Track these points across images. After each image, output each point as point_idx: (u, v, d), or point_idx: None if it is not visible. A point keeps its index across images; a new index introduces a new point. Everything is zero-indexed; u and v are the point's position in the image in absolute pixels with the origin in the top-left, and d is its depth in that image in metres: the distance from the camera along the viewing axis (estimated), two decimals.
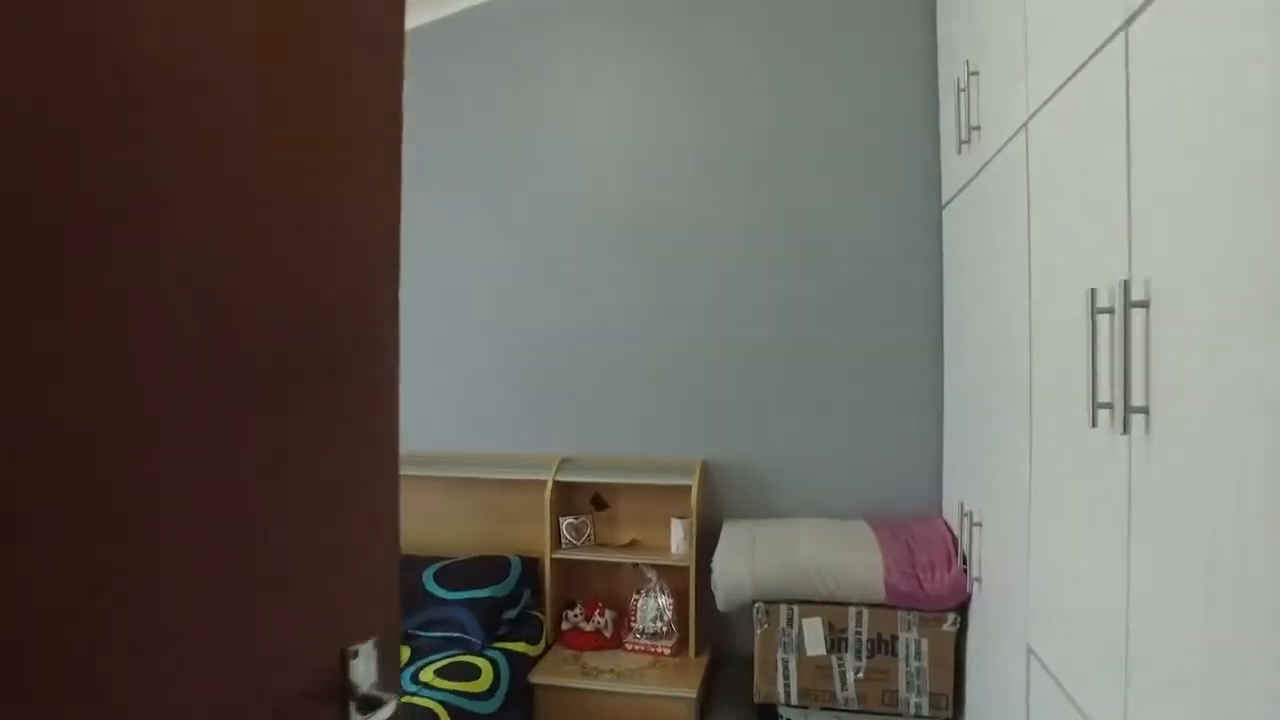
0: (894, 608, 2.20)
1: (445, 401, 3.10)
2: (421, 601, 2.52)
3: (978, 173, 2.02)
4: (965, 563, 2.09)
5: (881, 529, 2.46)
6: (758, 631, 2.28)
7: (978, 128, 2.00)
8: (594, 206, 2.96)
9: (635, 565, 2.78)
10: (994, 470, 1.89)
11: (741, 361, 2.82)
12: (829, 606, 2.25)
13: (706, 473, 2.82)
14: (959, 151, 2.16)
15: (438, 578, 2.62)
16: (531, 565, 2.80)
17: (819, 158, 2.74)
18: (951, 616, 2.16)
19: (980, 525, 1.99)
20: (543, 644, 2.65)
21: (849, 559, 2.26)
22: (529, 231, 3.02)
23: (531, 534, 2.82)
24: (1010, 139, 1.68)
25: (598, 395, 2.95)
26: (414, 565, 2.73)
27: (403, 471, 2.84)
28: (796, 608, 2.28)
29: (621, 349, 2.92)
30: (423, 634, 2.48)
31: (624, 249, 2.92)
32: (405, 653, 2.44)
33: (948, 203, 2.52)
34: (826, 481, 2.74)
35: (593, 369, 2.95)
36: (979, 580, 2.01)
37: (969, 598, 2.13)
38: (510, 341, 3.03)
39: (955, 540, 2.28)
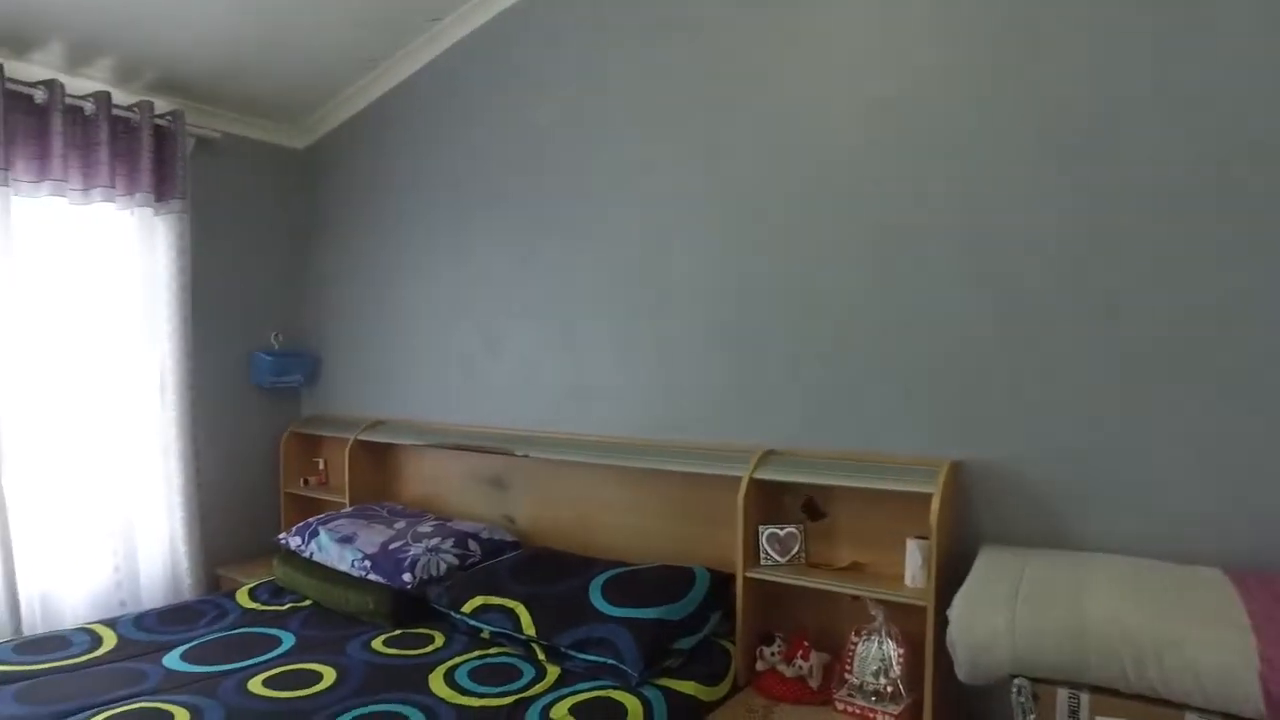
0: None
1: (637, 378, 2.65)
2: (583, 615, 2.10)
3: None
4: None
5: (1254, 586, 1.50)
6: None
7: None
8: (812, 118, 2.29)
9: (855, 597, 2.08)
10: None
11: (1014, 319, 1.97)
12: (1145, 704, 1.39)
13: (958, 477, 2.03)
14: None
15: (605, 588, 2.18)
16: (724, 582, 2.24)
17: None
18: None
19: None
20: (726, 685, 2.07)
21: (1191, 631, 1.37)
22: (736, 173, 2.44)
23: (731, 542, 2.25)
24: None
25: (815, 370, 2.28)
26: (585, 570, 2.32)
27: (586, 460, 2.42)
28: (1085, 696, 1.45)
29: (846, 309, 2.22)
30: (576, 655, 2.05)
31: (851, 175, 2.22)
32: (554, 673, 2.03)
33: None
34: (1151, 498, 1.79)
35: (810, 337, 2.29)
36: None
37: None
38: (711, 305, 2.48)
39: None
